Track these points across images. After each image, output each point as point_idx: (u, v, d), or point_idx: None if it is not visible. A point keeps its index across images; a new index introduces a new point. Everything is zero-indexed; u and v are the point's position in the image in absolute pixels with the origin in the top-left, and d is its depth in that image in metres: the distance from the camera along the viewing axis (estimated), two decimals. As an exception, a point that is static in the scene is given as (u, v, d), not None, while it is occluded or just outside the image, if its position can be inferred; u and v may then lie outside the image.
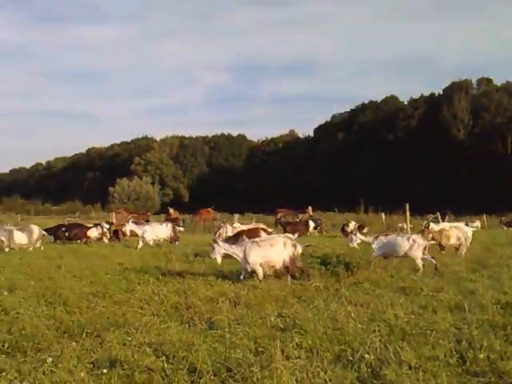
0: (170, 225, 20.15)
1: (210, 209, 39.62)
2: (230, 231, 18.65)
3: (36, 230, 18.08)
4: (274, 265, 10.94)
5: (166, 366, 5.53)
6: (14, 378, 5.28)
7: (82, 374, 5.30)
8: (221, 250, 11.20)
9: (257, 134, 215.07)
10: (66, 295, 9.14)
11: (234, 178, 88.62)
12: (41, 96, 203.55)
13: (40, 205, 79.94)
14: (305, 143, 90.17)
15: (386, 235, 13.75)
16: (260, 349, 6.07)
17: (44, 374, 5.36)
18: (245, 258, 10.89)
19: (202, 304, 8.42)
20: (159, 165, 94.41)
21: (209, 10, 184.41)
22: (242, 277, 10.90)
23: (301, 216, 30.98)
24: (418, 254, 12.45)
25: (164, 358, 5.83)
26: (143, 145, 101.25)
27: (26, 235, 17.67)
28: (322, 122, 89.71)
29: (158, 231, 19.44)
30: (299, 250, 11.24)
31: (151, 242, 19.02)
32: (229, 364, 5.52)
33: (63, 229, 21.25)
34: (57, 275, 11.59)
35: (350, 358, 5.74)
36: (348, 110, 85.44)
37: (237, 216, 30.55)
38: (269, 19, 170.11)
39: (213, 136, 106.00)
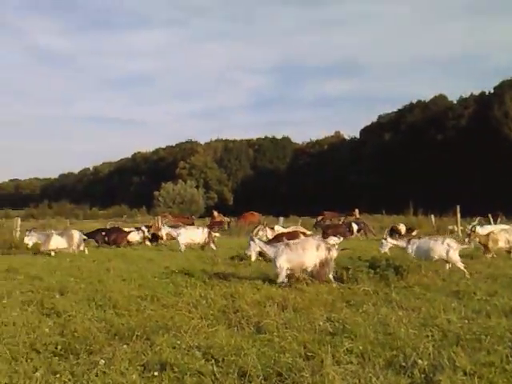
0: (205, 229, 20.64)
1: (254, 212, 39.70)
2: (269, 234, 18.82)
3: (76, 235, 18.41)
4: (305, 268, 11.09)
5: (215, 369, 5.58)
6: (67, 379, 5.42)
7: (134, 377, 5.40)
8: (256, 247, 11.71)
9: (301, 136, 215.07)
10: (116, 298, 9.29)
11: (278, 181, 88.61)
12: (86, 102, 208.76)
13: (88, 209, 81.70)
14: (350, 144, 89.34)
15: (419, 238, 13.58)
16: (309, 353, 6.06)
17: (97, 375, 5.48)
18: (274, 260, 11.14)
19: (249, 308, 8.44)
20: (203, 168, 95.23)
21: (250, 12, 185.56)
22: (285, 280, 10.93)
23: (342, 219, 30.73)
24: (456, 258, 12.32)
25: (213, 361, 5.88)
26: (188, 148, 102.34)
27: (66, 240, 18.01)
28: (368, 122, 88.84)
29: (192, 235, 19.93)
30: (333, 253, 11.25)
31: (183, 247, 19.49)
32: (279, 368, 5.53)
33: (103, 233, 21.72)
34: (106, 278, 11.82)
35: (403, 364, 5.66)
36: (395, 111, 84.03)
37: (282, 219, 30.59)
38: (309, 20, 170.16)
39: (257, 139, 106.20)
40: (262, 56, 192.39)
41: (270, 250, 11.39)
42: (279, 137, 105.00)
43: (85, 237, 19.26)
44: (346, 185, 74.19)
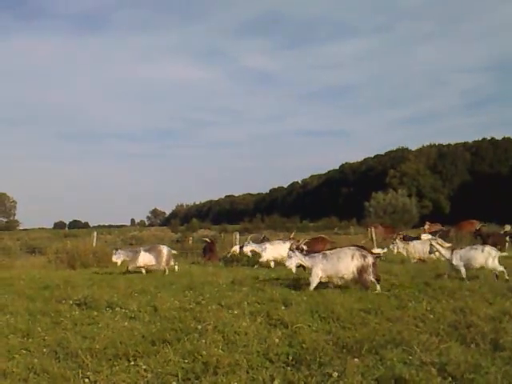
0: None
1: (473, 220, 37.51)
2: (401, 248, 18.77)
3: (165, 251, 17.95)
4: (342, 276, 12.24)
5: (456, 387, 5.41)
6: (305, 390, 5.67)
7: (371, 391, 5.46)
8: (296, 259, 12.64)
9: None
10: (338, 311, 9.44)
11: (501, 186, 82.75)
12: (295, 117, 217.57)
13: (298, 222, 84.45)
14: None
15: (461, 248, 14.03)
16: None
17: (333, 387, 5.66)
18: (311, 269, 12.37)
19: (483, 323, 8.04)
20: (416, 176, 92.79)
21: (460, 12, 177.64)
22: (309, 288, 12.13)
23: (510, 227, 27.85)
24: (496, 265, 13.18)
25: (450, 378, 5.73)
26: (398, 156, 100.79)
27: (154, 256, 17.68)
28: None
29: (280, 250, 19.01)
30: (369, 261, 12.22)
31: (272, 263, 19.15)
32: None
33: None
34: (325, 291, 12.08)
35: None
36: None
37: (509, 227, 28.58)
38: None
39: (474, 141, 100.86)
40: (476, 55, 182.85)
41: (308, 261, 12.48)
42: (499, 138, 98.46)
43: (174, 252, 18.97)
44: None
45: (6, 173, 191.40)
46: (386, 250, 18.95)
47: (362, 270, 12.13)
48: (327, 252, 12.75)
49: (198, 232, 51.63)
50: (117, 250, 18.05)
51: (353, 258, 12.24)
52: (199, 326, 8.56)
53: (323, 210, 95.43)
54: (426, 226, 34.23)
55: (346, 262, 12.22)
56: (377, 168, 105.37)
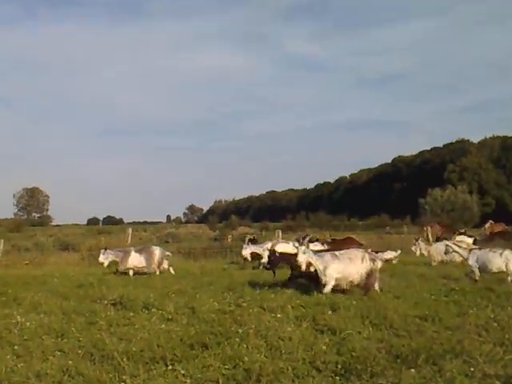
0: (297, 244, 19.48)
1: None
2: (423, 249, 19.03)
3: (157, 252, 17.83)
4: (352, 279, 12.17)
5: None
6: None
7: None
8: (308, 257, 12.36)
9: None
10: (391, 317, 9.38)
11: None
12: (343, 107, 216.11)
13: (346, 220, 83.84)
14: None
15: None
16: None
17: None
18: (323, 270, 12.09)
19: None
20: (477, 170, 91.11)
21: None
22: (324, 290, 11.95)
23: None
24: None
25: (517, 394, 5.62)
26: (458, 149, 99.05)
27: (144, 257, 17.54)
28: None
29: (285, 250, 17.88)
30: (378, 264, 12.52)
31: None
32: None
33: None
34: (377, 295, 12.00)
35: None
36: None
37: None
38: None
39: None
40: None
41: (317, 261, 12.21)
42: None
43: (168, 253, 18.81)
44: None
45: (41, 167, 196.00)
46: (400, 252, 19.28)
47: (369, 274, 12.19)
48: (336, 252, 12.69)
49: (238, 229, 51.89)
50: (105, 249, 18.14)
51: (363, 260, 12.27)
52: (240, 330, 8.62)
53: (373, 208, 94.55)
54: (487, 225, 33.56)
55: (356, 265, 12.20)
56: (434, 162, 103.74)
